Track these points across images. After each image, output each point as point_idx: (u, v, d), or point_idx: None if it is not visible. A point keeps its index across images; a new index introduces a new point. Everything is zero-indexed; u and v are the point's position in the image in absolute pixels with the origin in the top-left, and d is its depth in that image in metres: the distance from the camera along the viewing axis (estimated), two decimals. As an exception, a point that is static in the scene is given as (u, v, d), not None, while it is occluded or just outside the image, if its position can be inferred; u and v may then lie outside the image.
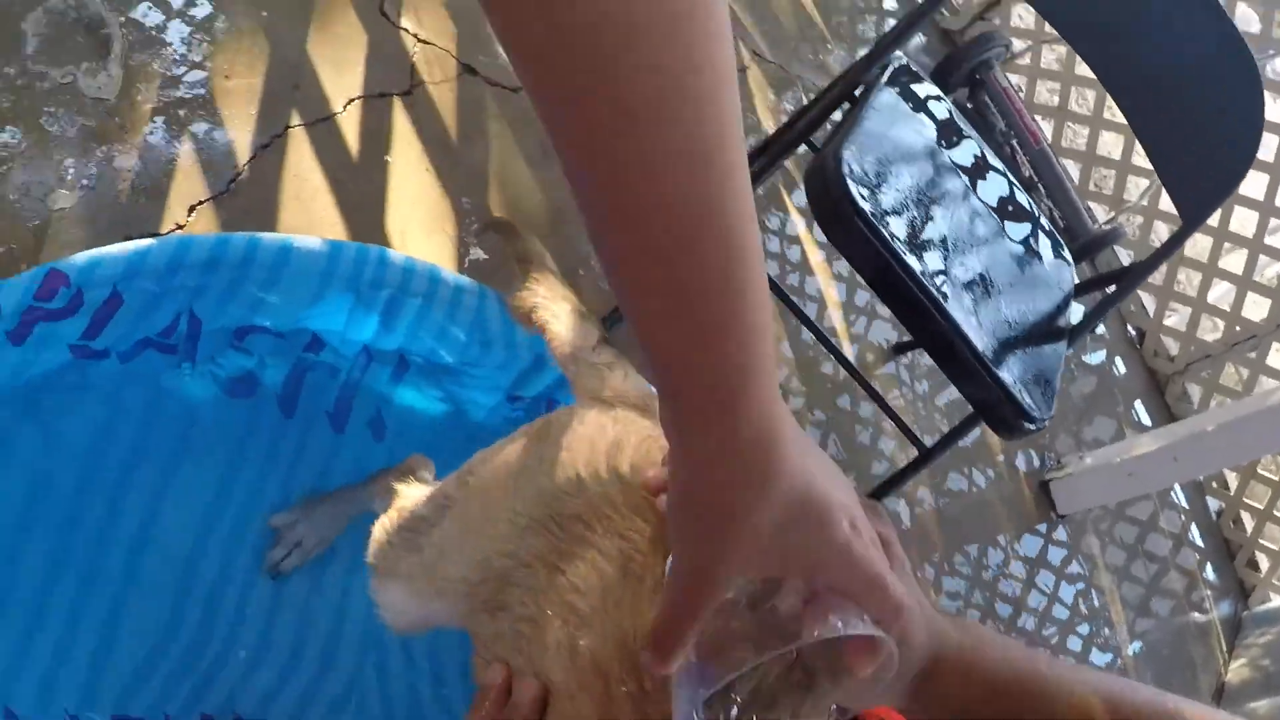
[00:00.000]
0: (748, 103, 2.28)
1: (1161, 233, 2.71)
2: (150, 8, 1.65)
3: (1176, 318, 2.85)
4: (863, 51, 2.68)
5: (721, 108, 0.44)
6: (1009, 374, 1.40)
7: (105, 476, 1.27)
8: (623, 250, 0.46)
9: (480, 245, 1.67)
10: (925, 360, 2.21)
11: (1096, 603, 2.40)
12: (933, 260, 1.41)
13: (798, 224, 2.21)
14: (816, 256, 2.20)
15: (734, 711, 0.55)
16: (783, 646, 0.51)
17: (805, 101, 2.40)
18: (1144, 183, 2.68)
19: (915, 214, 1.44)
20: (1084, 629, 2.32)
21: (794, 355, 2.03)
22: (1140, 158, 2.50)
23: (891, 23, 2.88)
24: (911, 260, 1.35)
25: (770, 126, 2.28)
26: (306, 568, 1.36)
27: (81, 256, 1.10)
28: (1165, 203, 2.55)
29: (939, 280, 1.39)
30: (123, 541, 1.28)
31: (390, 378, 1.42)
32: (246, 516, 1.37)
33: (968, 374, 1.40)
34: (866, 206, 1.34)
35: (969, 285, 1.45)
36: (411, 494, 1.09)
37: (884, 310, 2.18)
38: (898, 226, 1.38)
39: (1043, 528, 2.33)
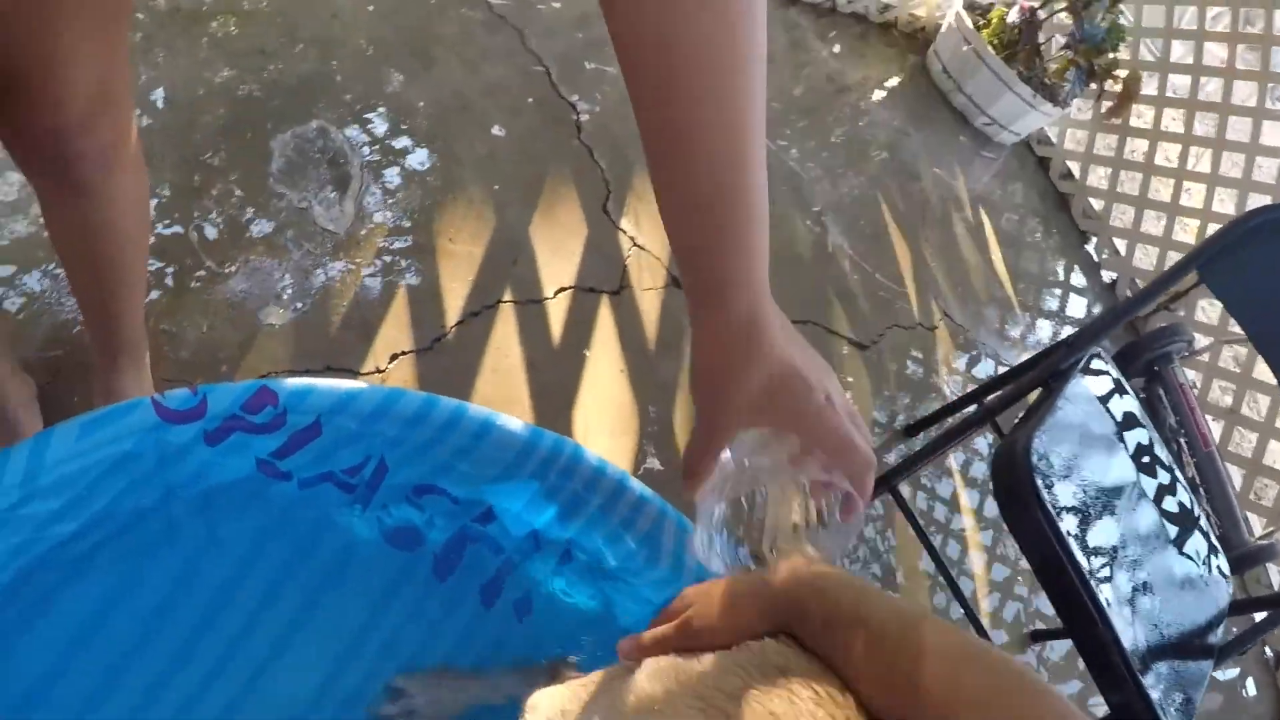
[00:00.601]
0: (929, 359, 2.30)
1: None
2: (392, 159, 1.75)
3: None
4: (1043, 324, 2.72)
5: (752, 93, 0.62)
6: (1154, 684, 1.35)
7: (253, 587, 1.29)
8: (673, 189, 0.66)
9: (658, 456, 1.69)
10: (1054, 653, 2.14)
11: None
12: (1098, 555, 1.38)
13: (958, 485, 2.19)
14: (965, 522, 2.17)
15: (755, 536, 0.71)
16: (777, 481, 0.69)
17: (986, 367, 2.42)
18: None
19: (1091, 510, 1.41)
20: None
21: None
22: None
23: (1075, 299, 2.90)
24: (1081, 558, 1.33)
25: (947, 387, 2.28)
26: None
27: (294, 382, 1.14)
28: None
29: (1103, 578, 1.36)
30: (250, 658, 1.29)
31: (552, 570, 1.42)
32: (376, 670, 1.37)
33: (1115, 681, 1.35)
34: (1047, 497, 1.33)
35: (1131, 587, 1.42)
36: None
37: (1021, 590, 2.14)
38: (1073, 521, 1.36)
39: None
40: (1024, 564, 2.11)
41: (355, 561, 1.35)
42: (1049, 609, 2.06)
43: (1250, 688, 2.61)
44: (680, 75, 0.62)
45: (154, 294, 1.54)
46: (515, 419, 1.25)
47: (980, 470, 2.19)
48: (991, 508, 2.13)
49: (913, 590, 1.97)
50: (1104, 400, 1.60)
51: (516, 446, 1.25)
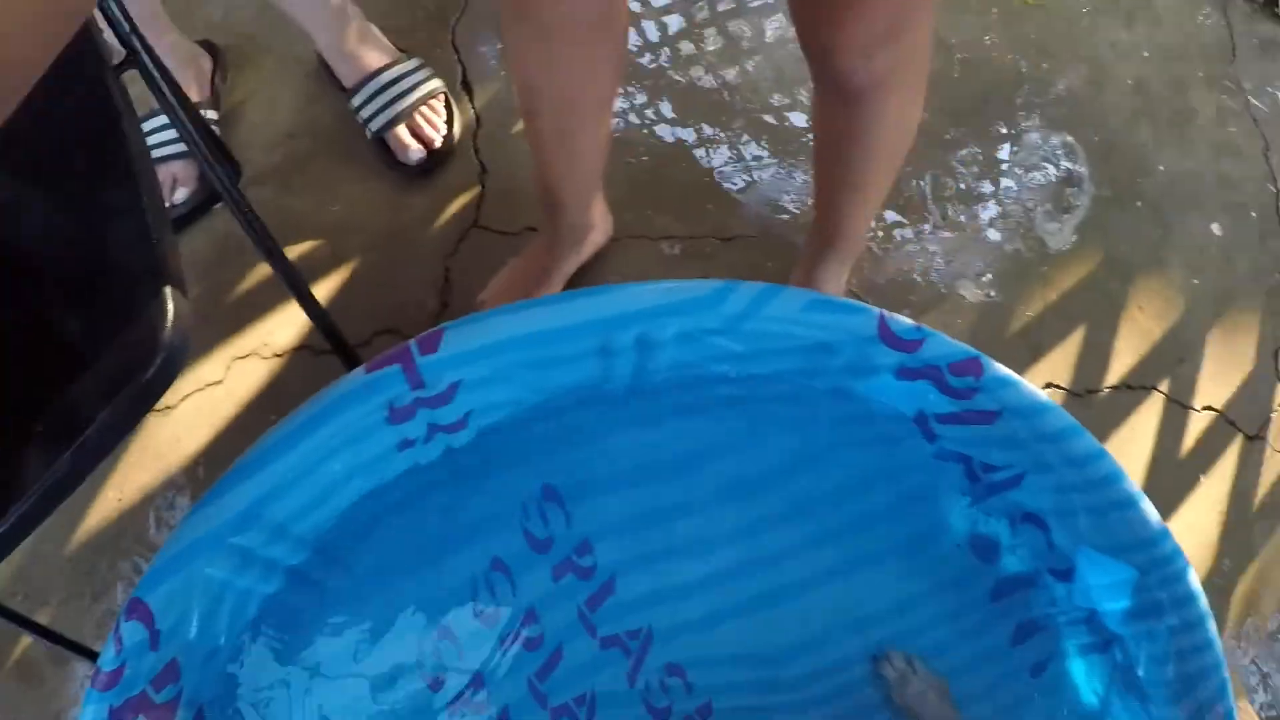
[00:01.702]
0: None
1: None
2: (1111, 209, 1.76)
3: None
4: None
5: None
6: None
7: (844, 512, 1.40)
8: None
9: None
10: None
11: None
12: None
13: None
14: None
15: None
16: None
17: None
18: None
19: None
20: None
21: None
22: None
23: None
24: None
25: None
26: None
27: (1001, 369, 1.17)
28: None
29: None
30: (814, 565, 1.41)
31: (1082, 648, 1.41)
32: (894, 639, 1.44)
33: None
34: None
35: None
36: None
37: None
38: None
39: None
40: None
41: (934, 543, 1.41)
42: None
43: None
44: None
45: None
46: (1155, 510, 1.23)
47: None
48: None
49: None
50: None
51: (1143, 534, 1.24)
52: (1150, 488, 1.68)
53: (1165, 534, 1.26)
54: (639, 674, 1.38)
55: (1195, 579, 1.27)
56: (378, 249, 1.68)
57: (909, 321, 1.12)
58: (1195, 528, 1.72)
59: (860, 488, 1.39)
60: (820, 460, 1.36)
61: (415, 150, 1.70)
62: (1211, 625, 1.27)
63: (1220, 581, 1.73)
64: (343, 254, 1.68)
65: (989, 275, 1.69)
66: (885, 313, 1.11)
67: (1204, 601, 1.31)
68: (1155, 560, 1.26)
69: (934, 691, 1.39)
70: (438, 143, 1.72)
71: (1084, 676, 1.46)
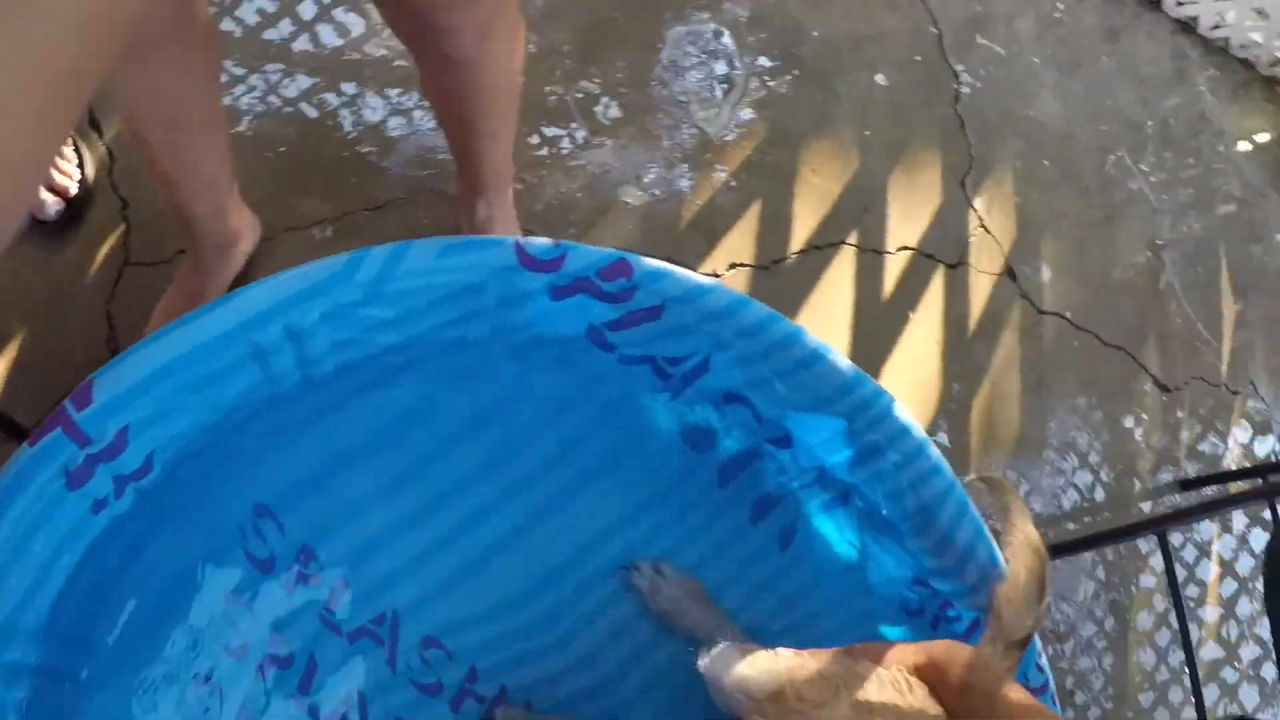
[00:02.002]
0: (1222, 422, 2.22)
1: None
2: (776, 78, 1.78)
3: None
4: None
5: None
6: None
7: (545, 443, 1.36)
8: None
9: (947, 432, 1.70)
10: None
11: None
12: None
13: (1211, 568, 2.13)
14: (1210, 613, 2.12)
15: None
16: None
17: (1275, 448, 2.32)
18: None
19: None
20: None
21: (1147, 669, 1.96)
22: None
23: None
24: None
25: (1234, 455, 2.21)
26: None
27: (652, 263, 1.16)
28: None
29: None
30: (523, 508, 1.37)
31: (823, 505, 1.44)
32: (628, 553, 1.42)
33: None
34: None
35: None
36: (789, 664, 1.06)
37: (1269, 671, 2.08)
38: None
39: None
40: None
41: (646, 446, 1.38)
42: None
43: None
44: None
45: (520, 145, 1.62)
46: (846, 359, 1.25)
47: (1228, 547, 2.12)
48: (1246, 583, 2.06)
49: (1133, 649, 1.94)
50: None
51: (837, 383, 1.25)
52: (863, 334, 1.68)
53: (860, 378, 1.26)
54: (397, 657, 1.33)
55: (903, 412, 1.28)
56: (39, 315, 1.59)
57: (545, 241, 1.10)
58: (918, 361, 1.73)
59: (556, 414, 1.37)
60: (512, 400, 1.34)
61: (52, 203, 1.62)
62: (932, 451, 1.29)
63: (955, 406, 1.74)
64: (3, 333, 1.60)
65: (651, 175, 1.67)
66: (520, 239, 1.10)
67: (918, 431, 1.30)
68: (858, 405, 1.27)
69: (688, 592, 1.38)
70: (73, 190, 1.64)
71: (835, 532, 1.45)
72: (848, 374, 1.27)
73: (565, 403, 1.36)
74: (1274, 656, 1.39)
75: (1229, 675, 2.08)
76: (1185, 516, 1.62)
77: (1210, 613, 2.07)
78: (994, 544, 1.30)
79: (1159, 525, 1.61)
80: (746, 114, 1.76)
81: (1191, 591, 2.07)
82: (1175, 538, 2.05)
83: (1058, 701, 1.31)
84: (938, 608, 1.41)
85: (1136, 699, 1.91)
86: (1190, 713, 1.80)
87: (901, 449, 1.31)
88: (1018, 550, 1.31)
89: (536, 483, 1.39)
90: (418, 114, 1.68)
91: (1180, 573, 2.04)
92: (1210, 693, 2.02)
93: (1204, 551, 2.11)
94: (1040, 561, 1.30)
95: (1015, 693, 0.91)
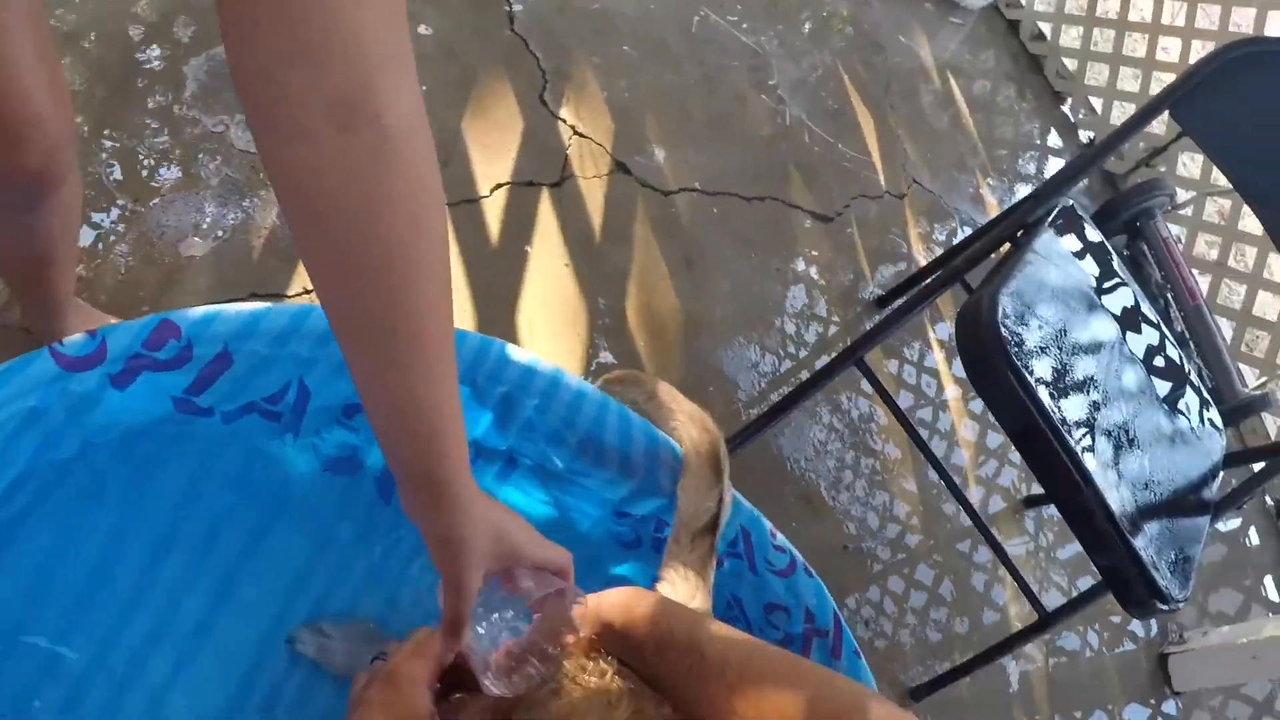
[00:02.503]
0: (899, 227, 2.21)
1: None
2: None
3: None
4: (1022, 188, 2.62)
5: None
6: (1146, 546, 1.28)
7: (191, 533, 1.22)
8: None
9: (611, 350, 1.61)
10: (1055, 512, 2.08)
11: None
12: (1077, 414, 1.31)
13: (937, 356, 2.11)
14: (952, 392, 2.10)
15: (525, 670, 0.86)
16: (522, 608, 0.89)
17: (959, 235, 2.32)
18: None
19: (1066, 368, 1.34)
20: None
21: (918, 491, 1.92)
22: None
23: (1054, 161, 2.80)
24: (1057, 418, 1.26)
25: (921, 256, 2.20)
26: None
27: (196, 311, 1.04)
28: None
29: (1082, 438, 1.28)
30: (196, 607, 1.22)
31: (496, 476, 1.34)
32: (325, 602, 1.31)
33: (1102, 544, 1.29)
34: (1017, 358, 1.25)
35: (1114, 447, 1.34)
36: None
37: (1017, 456, 2.07)
38: (1046, 378, 1.28)
39: (1153, 701, 2.16)
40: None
41: (295, 494, 1.27)
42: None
43: (1254, 537, 2.56)
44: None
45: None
46: None
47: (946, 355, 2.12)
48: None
49: (901, 467, 1.91)
50: (1080, 256, 1.51)
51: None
52: (483, 289, 1.56)
53: (458, 336, 1.15)
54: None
55: (519, 352, 1.19)
56: None
57: (79, 336, 0.99)
58: (553, 292, 1.61)
59: (190, 503, 1.24)
60: (138, 504, 1.20)
61: None
62: (568, 379, 1.21)
63: (608, 320, 1.64)
64: None
65: (208, 219, 1.50)
66: (53, 344, 0.97)
67: (544, 366, 1.21)
68: (471, 364, 1.18)
69: (361, 640, 1.26)
70: None
71: (523, 497, 1.37)
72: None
73: (194, 485, 1.21)
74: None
75: (988, 469, 2.08)
76: (876, 335, 1.56)
77: (946, 420, 2.06)
78: (673, 442, 1.22)
79: (853, 354, 1.56)
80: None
81: (927, 415, 2.05)
82: (909, 354, 2.03)
83: (813, 573, 1.25)
84: (652, 531, 1.32)
85: (912, 523, 1.88)
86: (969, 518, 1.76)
87: (535, 391, 1.22)
88: (684, 433, 1.23)
89: (198, 581, 1.23)
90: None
91: (910, 391, 2.03)
92: (976, 493, 2.02)
93: (921, 364, 2.10)
94: (709, 437, 1.22)
95: (720, 629, 0.86)
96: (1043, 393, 1.26)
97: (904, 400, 2.00)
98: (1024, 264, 1.38)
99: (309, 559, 1.30)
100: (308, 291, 1.48)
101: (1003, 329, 1.26)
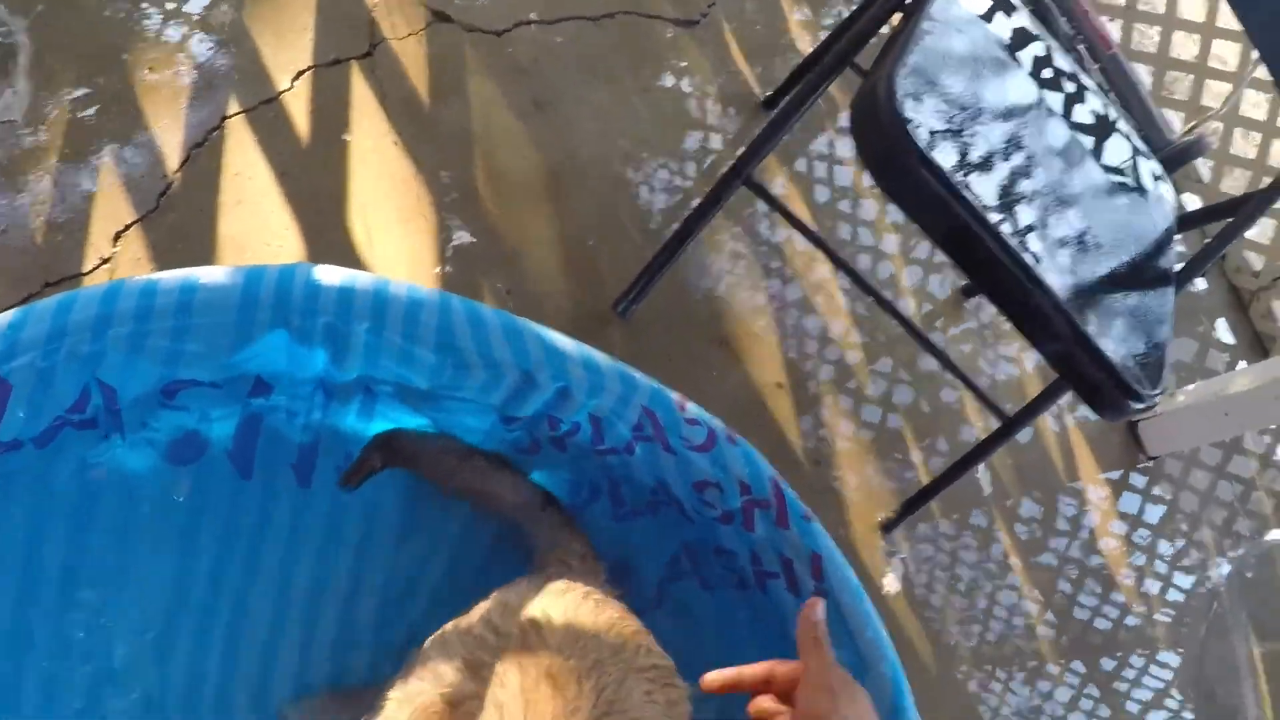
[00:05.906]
0: (775, 17, 1.98)
1: (1241, 144, 2.42)
2: (58, 5, 1.40)
3: (1258, 230, 2.53)
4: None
5: None
6: (1110, 342, 1.15)
7: (49, 577, 1.10)
8: None
9: (467, 228, 1.41)
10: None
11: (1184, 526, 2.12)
12: (1004, 198, 1.16)
13: (850, 171, 1.91)
14: (867, 181, 1.91)
15: None
16: None
17: (846, 15, 2.09)
18: (1225, 87, 2.34)
19: (987, 142, 1.18)
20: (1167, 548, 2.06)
21: (849, 309, 1.77)
22: (1217, 60, 2.27)
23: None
24: (979, 205, 1.10)
25: (806, 46, 1.97)
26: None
27: None
28: (1248, 108, 2.38)
29: (1023, 232, 1.15)
30: (77, 653, 1.13)
31: (359, 412, 1.17)
32: (211, 607, 1.17)
33: (1048, 331, 1.16)
34: (925, 140, 1.09)
35: (1051, 219, 1.20)
36: None
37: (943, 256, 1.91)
38: (968, 160, 1.13)
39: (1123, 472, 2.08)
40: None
41: (146, 497, 1.14)
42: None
43: (1200, 281, 2.49)
44: None
45: None
46: (219, 268, 1.00)
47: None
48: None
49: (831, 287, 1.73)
50: (986, 18, 1.33)
51: (234, 299, 1.01)
52: (302, 198, 1.40)
53: (251, 276, 1.03)
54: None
55: (330, 272, 1.05)
56: None
57: None
58: (386, 177, 1.45)
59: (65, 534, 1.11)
60: (23, 554, 1.09)
61: None
62: (394, 287, 1.05)
63: (457, 194, 1.46)
64: None
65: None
66: None
67: (363, 279, 1.06)
68: (277, 304, 1.03)
69: (341, 703, 1.19)
70: None
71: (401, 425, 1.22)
72: (232, 283, 1.01)
73: (38, 525, 1.09)
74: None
75: (911, 276, 1.90)
76: (758, 150, 1.35)
77: (868, 236, 1.88)
78: (534, 325, 1.09)
79: (738, 175, 1.36)
80: (46, 70, 1.37)
81: (845, 232, 1.86)
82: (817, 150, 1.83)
83: (738, 439, 1.11)
84: (547, 431, 1.19)
85: (851, 339, 1.72)
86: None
87: (361, 313, 1.05)
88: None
89: (70, 629, 1.13)
90: None
91: (824, 187, 1.85)
92: (907, 304, 1.85)
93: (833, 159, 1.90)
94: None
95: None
96: (956, 176, 1.11)
97: (820, 196, 1.82)
98: (920, 35, 1.20)
99: (179, 567, 1.16)
100: (105, 262, 1.27)
101: (903, 113, 1.09)
